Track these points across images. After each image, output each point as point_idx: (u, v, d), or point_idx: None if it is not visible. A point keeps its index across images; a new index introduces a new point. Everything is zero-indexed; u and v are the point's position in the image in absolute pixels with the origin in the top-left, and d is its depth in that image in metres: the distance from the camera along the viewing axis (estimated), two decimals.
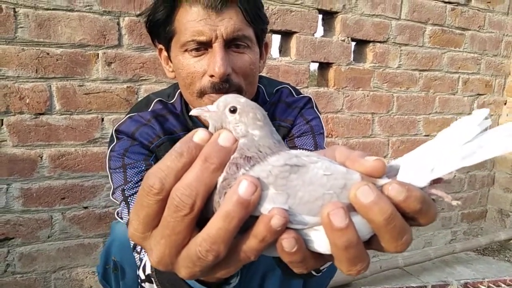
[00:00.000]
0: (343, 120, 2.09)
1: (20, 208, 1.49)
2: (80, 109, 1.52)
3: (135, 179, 0.84)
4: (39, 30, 1.41)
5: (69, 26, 1.45)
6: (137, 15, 1.42)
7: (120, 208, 0.86)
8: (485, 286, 1.78)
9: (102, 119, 1.56)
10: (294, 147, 0.95)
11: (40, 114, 1.46)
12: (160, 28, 0.83)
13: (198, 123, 0.92)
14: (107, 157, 0.89)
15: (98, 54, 1.51)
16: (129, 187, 0.83)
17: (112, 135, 0.92)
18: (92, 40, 1.49)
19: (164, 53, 0.90)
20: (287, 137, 0.98)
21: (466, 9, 2.33)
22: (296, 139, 0.96)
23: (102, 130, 1.56)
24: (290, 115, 0.98)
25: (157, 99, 0.96)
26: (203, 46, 0.78)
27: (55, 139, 1.50)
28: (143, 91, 1.59)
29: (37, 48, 1.42)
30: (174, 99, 0.96)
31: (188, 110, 0.94)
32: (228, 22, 0.77)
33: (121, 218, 0.89)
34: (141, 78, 1.59)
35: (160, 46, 0.90)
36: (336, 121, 2.06)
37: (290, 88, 1.03)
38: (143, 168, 0.85)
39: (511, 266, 2.37)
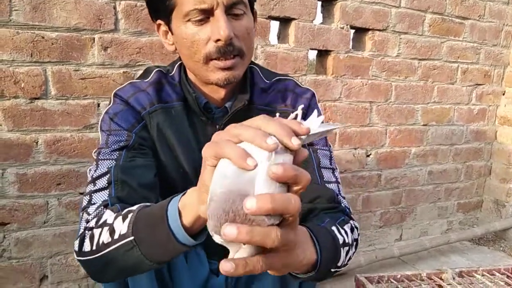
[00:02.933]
0: (341, 108, 2.08)
1: (15, 193, 1.49)
2: (76, 94, 1.50)
3: (113, 146, 0.90)
4: (34, 13, 1.39)
5: (65, 10, 1.43)
6: None
7: (92, 166, 0.91)
8: (479, 274, 1.79)
9: (98, 105, 1.55)
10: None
11: (36, 98, 1.45)
12: (159, 3, 0.87)
13: (198, 92, 0.97)
14: (101, 117, 0.95)
15: (94, 38, 1.49)
16: (105, 152, 0.89)
17: (111, 97, 0.97)
18: (88, 24, 1.47)
19: (163, 28, 0.93)
20: None
21: None
22: None
23: (98, 116, 1.54)
24: (300, 103, 1.03)
25: (157, 69, 1.01)
26: (205, 15, 0.83)
27: (50, 124, 1.49)
28: None
29: (32, 31, 1.40)
30: (173, 72, 1.01)
31: (188, 79, 0.98)
32: None
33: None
34: (138, 63, 1.57)
35: (159, 21, 0.93)
36: (334, 109, 2.05)
37: (295, 81, 1.08)
38: (124, 138, 0.91)
39: (506, 256, 2.39)
